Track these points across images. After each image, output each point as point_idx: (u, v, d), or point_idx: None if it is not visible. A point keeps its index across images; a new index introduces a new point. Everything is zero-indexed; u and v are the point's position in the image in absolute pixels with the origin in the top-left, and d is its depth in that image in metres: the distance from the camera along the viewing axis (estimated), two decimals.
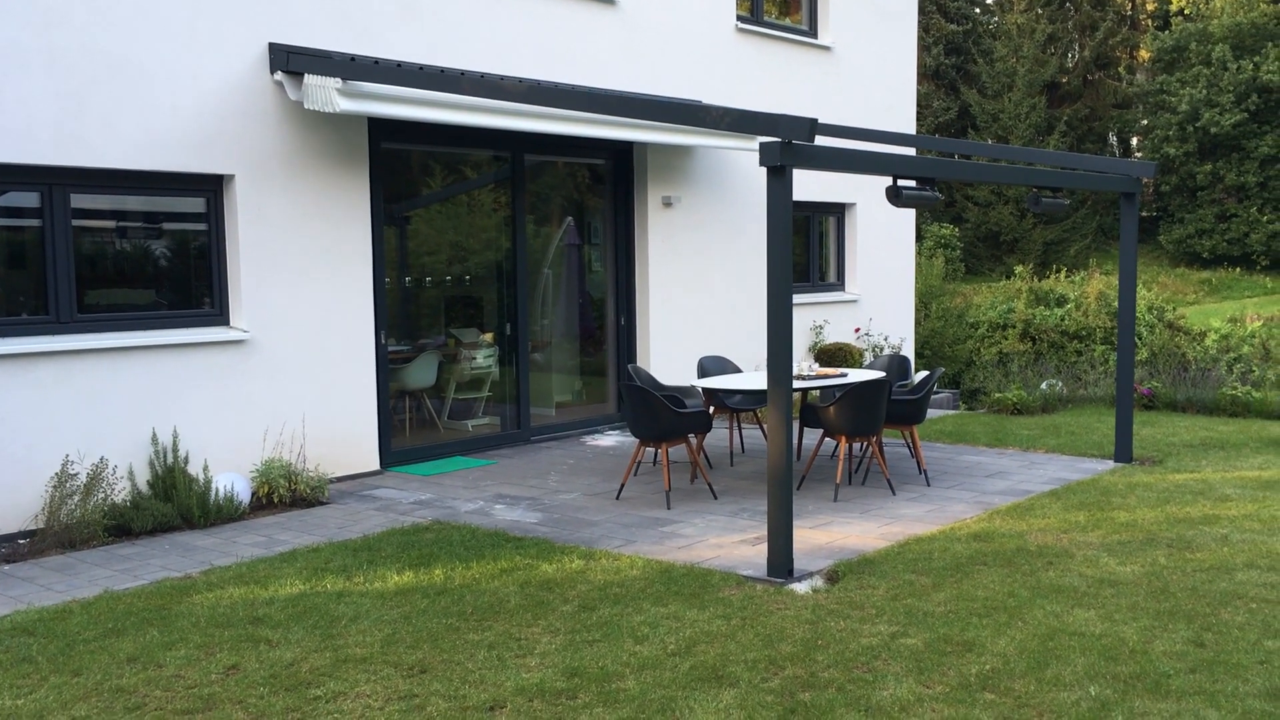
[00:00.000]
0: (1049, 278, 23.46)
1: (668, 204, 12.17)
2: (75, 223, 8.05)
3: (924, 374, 9.86)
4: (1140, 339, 17.99)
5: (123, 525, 7.70)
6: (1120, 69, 38.86)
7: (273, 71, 8.78)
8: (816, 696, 4.70)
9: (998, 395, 13.19)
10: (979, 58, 36.33)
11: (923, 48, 35.13)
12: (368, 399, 9.61)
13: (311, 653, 5.29)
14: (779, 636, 5.43)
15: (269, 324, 8.89)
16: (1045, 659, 5.10)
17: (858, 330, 14.76)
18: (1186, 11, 36.27)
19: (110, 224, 8.40)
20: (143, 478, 8.18)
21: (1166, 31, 35.33)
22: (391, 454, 9.96)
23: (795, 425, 10.07)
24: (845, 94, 14.42)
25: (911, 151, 13.34)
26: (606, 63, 11.44)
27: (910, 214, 16.06)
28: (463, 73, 9.74)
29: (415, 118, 8.86)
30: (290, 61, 8.65)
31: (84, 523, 7.47)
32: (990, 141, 34.60)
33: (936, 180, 7.46)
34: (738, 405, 9.90)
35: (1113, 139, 39.08)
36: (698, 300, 12.62)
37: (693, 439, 8.96)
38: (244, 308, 8.75)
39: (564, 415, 11.84)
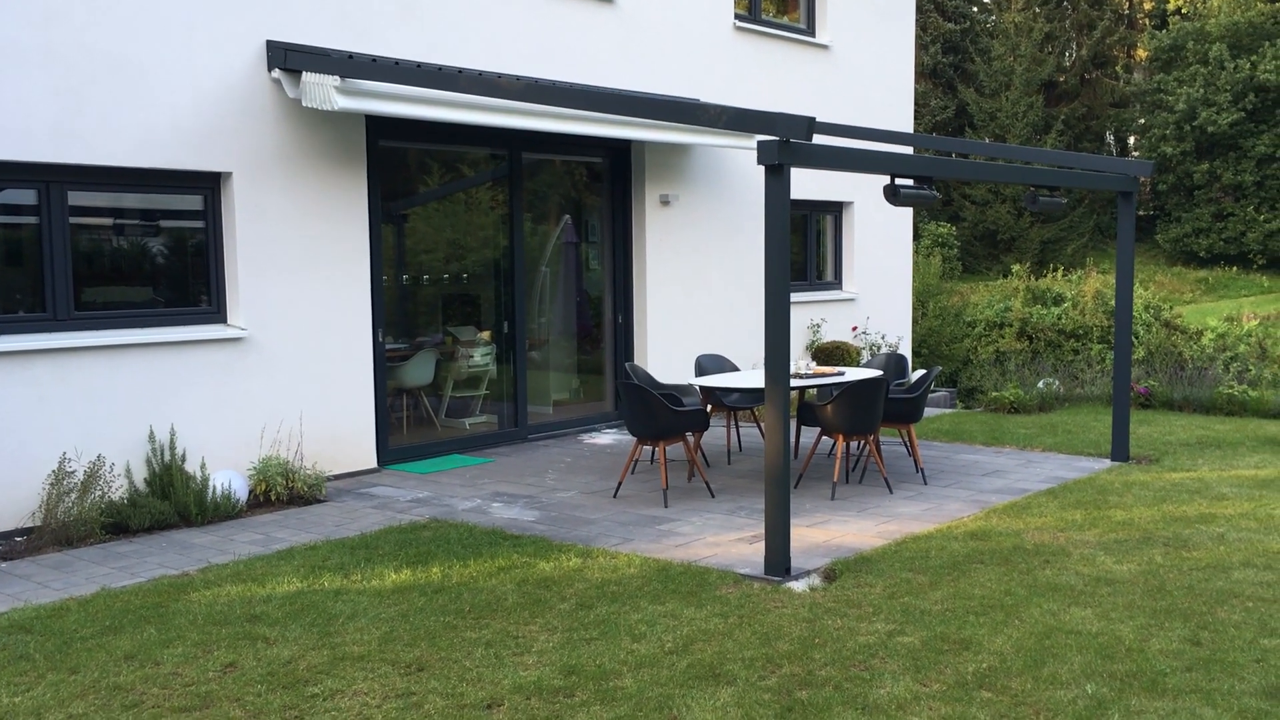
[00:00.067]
0: (1046, 276, 23.50)
1: (665, 202, 12.17)
2: (73, 220, 8.04)
3: (921, 373, 9.88)
4: (1137, 338, 18.02)
5: (120, 523, 7.69)
6: (1117, 68, 38.90)
7: (270, 69, 8.77)
8: (814, 695, 4.71)
9: (994, 394, 13.21)
10: (976, 56, 36.36)
11: (920, 46, 35.14)
12: (365, 397, 9.61)
13: (309, 650, 5.29)
14: (776, 635, 5.43)
15: (266, 322, 8.88)
16: (1042, 657, 5.11)
17: (855, 329, 14.77)
18: (1184, 11, 36.31)
19: (108, 221, 8.39)
20: (140, 475, 8.17)
21: (1164, 30, 35.39)
22: (389, 452, 9.96)
23: (793, 424, 10.08)
24: (843, 92, 14.42)
25: (909, 150, 13.34)
26: (604, 61, 11.43)
27: (908, 213, 16.07)
28: (460, 71, 9.73)
29: (413, 116, 8.85)
30: (288, 59, 8.65)
31: (81, 520, 7.46)
32: (987, 140, 34.62)
33: (934, 179, 7.47)
34: (735, 404, 9.91)
35: (1110, 138, 39.13)
36: (695, 298, 12.62)
37: (690, 437, 8.97)
38: (241, 305, 8.74)
39: (561, 413, 11.84)
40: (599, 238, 12.16)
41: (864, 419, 8.54)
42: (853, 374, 9.37)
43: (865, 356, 14.29)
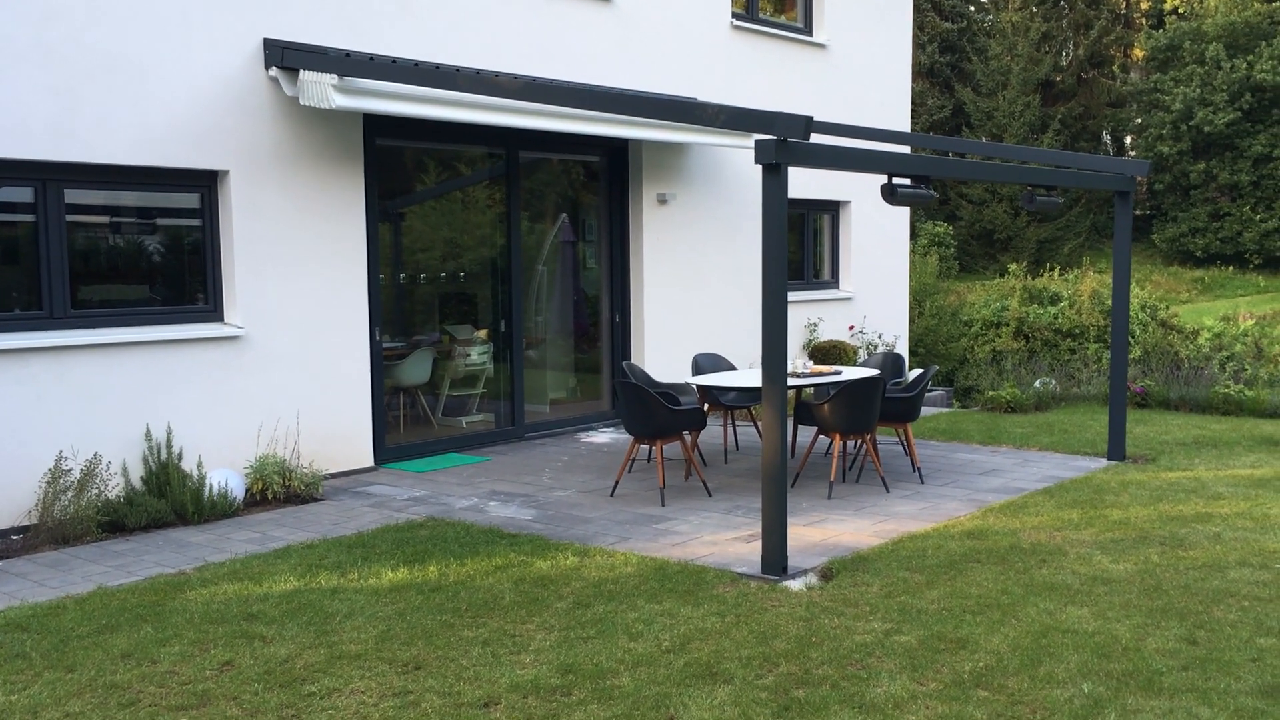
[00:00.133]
0: (1043, 276, 23.51)
1: (663, 201, 12.17)
2: (69, 218, 8.03)
3: (918, 372, 9.88)
4: (1133, 337, 18.03)
5: (116, 521, 7.69)
6: (1114, 67, 38.94)
7: (267, 67, 8.76)
8: (810, 693, 4.71)
9: (991, 393, 13.22)
10: (973, 56, 36.38)
11: (917, 45, 35.16)
12: (362, 395, 9.61)
13: (306, 649, 5.29)
14: (773, 633, 5.44)
15: (263, 320, 8.88)
16: (1038, 656, 5.12)
17: (852, 328, 14.77)
18: (1180, 10, 36.35)
19: (104, 219, 8.38)
20: (136, 474, 8.17)
21: (1160, 30, 35.42)
22: (386, 450, 9.96)
23: (790, 423, 10.08)
24: (840, 91, 14.43)
25: (906, 149, 13.35)
26: (602, 60, 11.43)
27: (904, 212, 16.08)
28: (458, 69, 9.73)
29: (410, 114, 8.84)
30: (285, 57, 8.64)
31: (78, 519, 7.46)
32: (984, 140, 34.64)
33: (931, 178, 7.47)
34: (732, 402, 9.91)
35: (1106, 137, 39.17)
36: (692, 297, 12.62)
37: (687, 436, 8.97)
38: (238, 304, 8.73)
39: (558, 412, 11.84)
40: (596, 236, 12.17)
41: (861, 418, 8.55)
42: (850, 373, 9.38)
43: (862, 356, 14.30)
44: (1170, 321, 19.58)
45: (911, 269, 18.03)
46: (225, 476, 8.26)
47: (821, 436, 9.97)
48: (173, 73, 8.27)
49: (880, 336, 15.03)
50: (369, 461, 9.73)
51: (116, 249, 8.43)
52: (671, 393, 8.98)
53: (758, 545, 6.94)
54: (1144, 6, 39.13)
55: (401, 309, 10.51)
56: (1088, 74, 38.42)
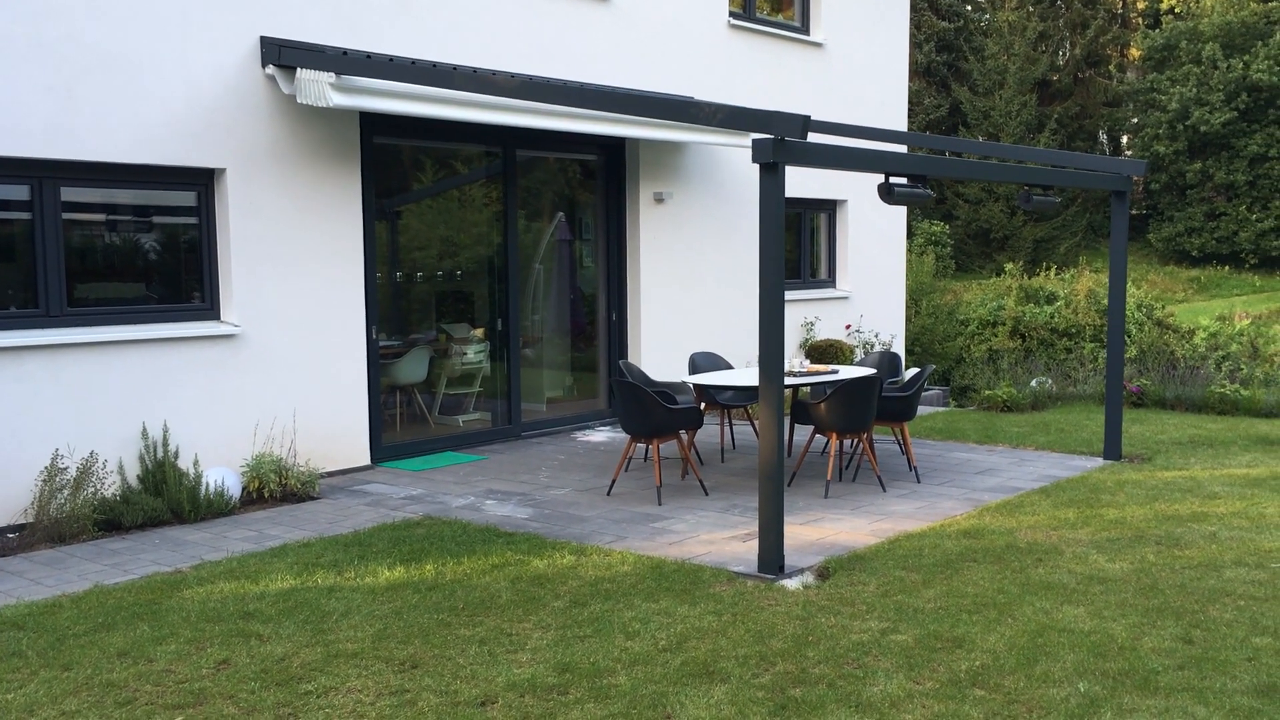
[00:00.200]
0: (1039, 275, 23.53)
1: (660, 200, 12.17)
2: (65, 216, 8.02)
3: (914, 371, 9.89)
4: (1130, 337, 18.06)
5: (112, 519, 7.68)
6: (1111, 67, 38.97)
7: (264, 65, 8.75)
8: (807, 692, 4.72)
9: (988, 392, 13.23)
10: (970, 55, 36.39)
11: (914, 44, 35.18)
12: (358, 394, 9.60)
13: (302, 648, 5.29)
14: (770, 632, 5.44)
15: (260, 318, 8.87)
16: (1035, 655, 5.13)
17: (849, 327, 14.78)
18: (1177, 10, 36.39)
19: (100, 217, 8.37)
20: (133, 472, 8.16)
21: (1157, 30, 35.46)
22: (382, 449, 9.95)
23: (786, 422, 10.09)
24: (837, 91, 14.43)
25: (903, 149, 13.35)
26: (599, 58, 11.43)
27: (901, 211, 16.09)
28: (455, 68, 9.72)
29: (408, 113, 8.84)
30: (282, 55, 8.63)
31: (74, 517, 7.45)
32: (981, 139, 34.66)
33: (928, 177, 7.48)
34: (729, 401, 9.91)
35: (1103, 137, 39.20)
36: (689, 296, 12.62)
37: (684, 435, 8.97)
38: (235, 302, 8.73)
39: (555, 411, 11.84)
40: (593, 235, 12.16)
41: (857, 417, 8.56)
42: (846, 372, 9.39)
43: (859, 355, 14.31)
44: (1166, 321, 19.61)
45: (908, 268, 18.05)
46: (222, 475, 8.26)
47: (818, 435, 9.97)
48: (170, 71, 8.26)
49: (877, 335, 15.04)
50: (365, 460, 9.72)
51: (113, 247, 8.42)
52: (668, 391, 8.99)
53: (754, 544, 6.94)
54: (1140, 6, 39.17)
55: (398, 307, 10.50)
56: (1084, 73, 38.46)
